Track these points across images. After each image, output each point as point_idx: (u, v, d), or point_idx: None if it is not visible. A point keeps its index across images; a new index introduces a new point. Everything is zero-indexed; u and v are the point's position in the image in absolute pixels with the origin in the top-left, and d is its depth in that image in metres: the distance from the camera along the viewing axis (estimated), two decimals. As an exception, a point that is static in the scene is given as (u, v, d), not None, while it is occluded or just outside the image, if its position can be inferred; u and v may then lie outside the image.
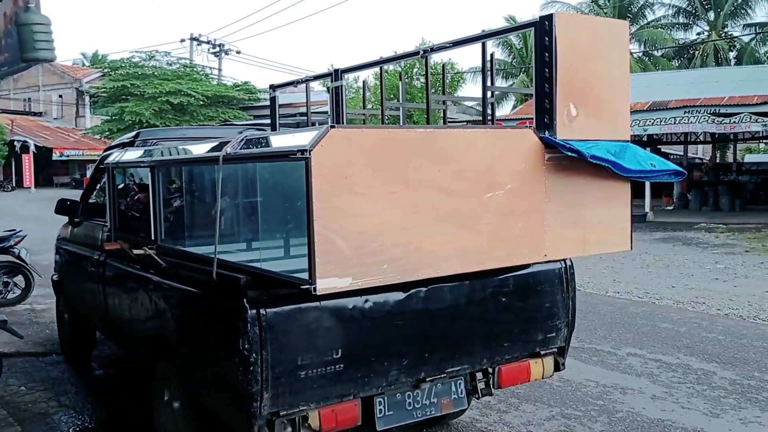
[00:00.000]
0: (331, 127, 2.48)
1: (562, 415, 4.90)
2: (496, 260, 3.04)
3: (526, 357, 3.80)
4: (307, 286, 2.48)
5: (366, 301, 3.15)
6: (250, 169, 3.30)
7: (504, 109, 42.22)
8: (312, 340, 3.05)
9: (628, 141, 3.34)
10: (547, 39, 3.08)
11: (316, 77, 4.97)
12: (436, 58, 25.52)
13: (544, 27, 3.09)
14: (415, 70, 23.25)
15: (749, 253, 13.40)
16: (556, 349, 3.91)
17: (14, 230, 8.56)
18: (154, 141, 4.93)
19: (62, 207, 5.74)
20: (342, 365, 3.12)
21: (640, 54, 34.99)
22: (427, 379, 3.43)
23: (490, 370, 3.71)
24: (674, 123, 18.59)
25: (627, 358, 6.24)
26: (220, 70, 46.88)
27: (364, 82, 5.35)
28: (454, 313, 3.47)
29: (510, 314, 3.67)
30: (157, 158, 3.88)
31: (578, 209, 3.19)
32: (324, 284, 2.47)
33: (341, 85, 4.53)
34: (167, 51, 42.90)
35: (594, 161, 2.99)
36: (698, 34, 37.10)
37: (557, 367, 3.93)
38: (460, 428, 4.67)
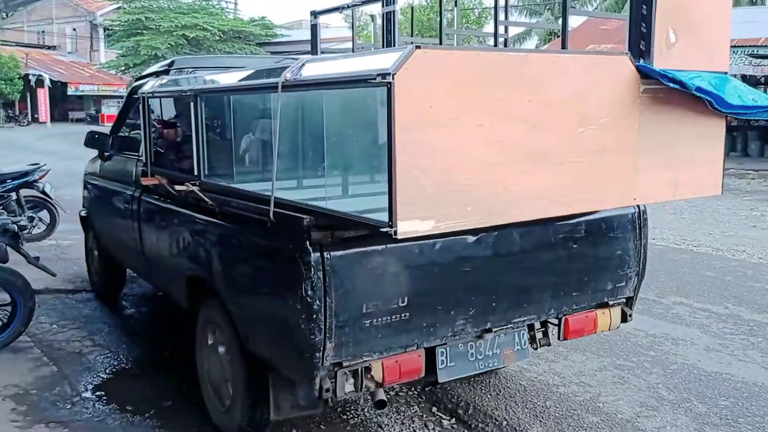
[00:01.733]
0: (416, 47, 2.17)
1: (614, 365, 4.70)
2: (586, 203, 2.76)
3: (594, 307, 3.55)
4: (387, 229, 2.21)
5: (434, 245, 2.89)
6: (308, 98, 2.99)
7: (526, 46, 41.21)
8: (378, 287, 2.81)
9: (726, 73, 3.00)
10: (647, -46, 2.72)
11: (365, 2, 4.58)
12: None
13: (643, -61, 2.73)
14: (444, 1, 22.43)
15: (783, 199, 13.03)
16: (624, 300, 3.66)
17: (38, 164, 8.33)
18: (191, 69, 4.63)
19: (92, 140, 5.48)
20: (408, 314, 2.89)
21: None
22: (494, 330, 3.20)
23: (556, 320, 3.48)
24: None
25: (674, 307, 6.00)
26: (236, 3, 45.89)
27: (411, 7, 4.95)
28: (523, 259, 3.22)
29: (580, 261, 3.41)
30: (200, 86, 3.58)
31: (671, 148, 2.88)
32: (405, 227, 2.21)
33: (394, 11, 4.16)
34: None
35: (699, 94, 2.67)
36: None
37: (624, 319, 3.69)
38: (508, 377, 4.49)
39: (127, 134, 5.23)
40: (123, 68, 37.56)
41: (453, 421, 3.97)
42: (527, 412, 4.02)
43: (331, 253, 2.69)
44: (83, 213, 6.39)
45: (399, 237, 2.22)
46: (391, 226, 2.21)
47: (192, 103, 3.60)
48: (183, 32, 34.82)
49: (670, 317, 5.72)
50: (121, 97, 50.59)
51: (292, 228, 2.71)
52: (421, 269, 2.91)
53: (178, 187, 3.66)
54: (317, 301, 2.66)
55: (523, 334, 3.40)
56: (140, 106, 4.37)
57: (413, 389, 4.27)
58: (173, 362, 4.75)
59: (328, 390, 2.78)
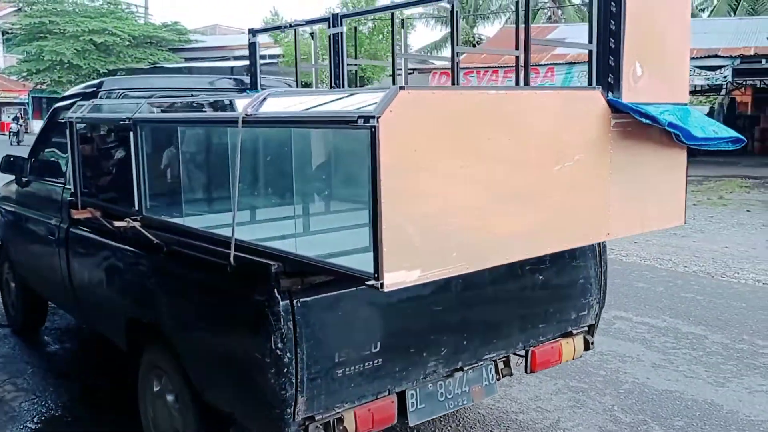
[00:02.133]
0: (401, 88, 2.03)
1: (568, 388, 4.69)
2: (562, 242, 2.68)
3: (558, 337, 3.51)
4: (373, 283, 2.06)
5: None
6: (269, 132, 2.80)
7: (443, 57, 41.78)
8: (350, 333, 2.65)
9: (687, 104, 3.01)
10: (614, -14, 2.68)
11: (309, 22, 4.39)
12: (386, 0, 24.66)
13: (611, -28, 2.69)
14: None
15: (696, 206, 13.57)
16: (586, 328, 3.64)
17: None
18: (121, 92, 4.33)
19: (7, 164, 5.07)
20: (380, 359, 2.74)
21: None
22: (464, 368, 3.09)
23: (522, 353, 3.41)
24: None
25: (615, 321, 6.09)
26: (146, 8, 44.51)
27: (355, 28, 4.78)
28: (493, 294, 3.13)
29: (546, 292, 3.36)
30: (143, 114, 3.31)
31: (639, 182, 2.86)
32: (392, 279, 2.06)
33: (341, 33, 4.00)
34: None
35: (670, 129, 2.65)
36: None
37: (587, 347, 3.66)
38: (466, 407, 4.40)
39: (48, 159, 4.85)
40: (25, 74, 35.71)
41: (413, 456, 3.85)
42: (488, 443, 3.94)
43: (301, 300, 2.51)
44: (-4, 242, 5.92)
45: (386, 290, 2.06)
46: (377, 279, 2.06)
47: (132, 132, 3.33)
48: (90, 37, 33.43)
49: (613, 333, 5.79)
50: (22, 104, 48.13)
51: (258, 275, 2.52)
52: (392, 312, 2.77)
53: (117, 223, 3.37)
54: (288, 354, 2.47)
55: (491, 368, 3.31)
56: (67, 131, 4.03)
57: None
58: (109, 406, 4.41)
59: (298, 446, 2.60)
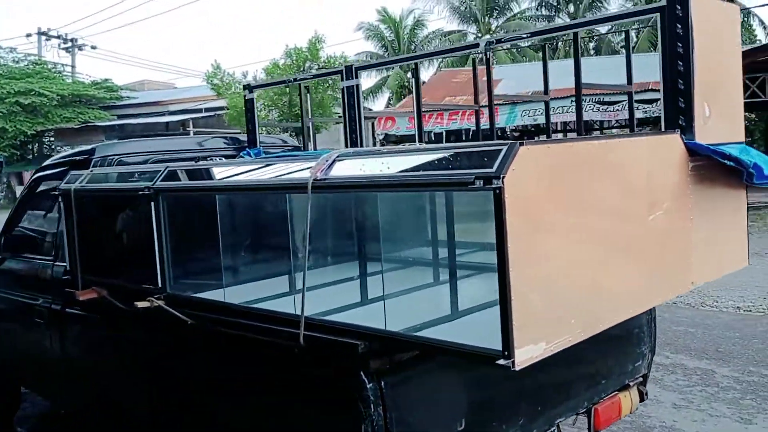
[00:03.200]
0: (520, 144, 1.85)
1: (599, 438, 4.51)
2: (660, 295, 2.52)
3: (617, 391, 3.33)
4: (504, 361, 1.84)
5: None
6: (330, 197, 2.56)
7: (380, 102, 42.25)
8: (436, 413, 2.40)
9: (743, 142, 2.94)
10: (680, 26, 2.60)
11: (317, 76, 4.20)
12: (328, 51, 24.67)
13: (674, 11, 2.61)
14: (307, 63, 22.28)
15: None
16: (641, 378, 3.48)
17: None
18: (116, 158, 4.01)
19: None
20: (466, 437, 2.49)
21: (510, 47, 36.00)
22: (538, 434, 2.87)
23: (584, 411, 3.22)
24: (562, 112, 19.07)
25: (620, 362, 5.98)
26: (73, 66, 43.49)
27: (308, 88, 4.53)
28: (562, 354, 2.93)
29: (606, 346, 3.19)
30: (170, 184, 3.01)
31: (714, 227, 2.74)
32: (523, 355, 1.85)
33: (357, 85, 3.82)
34: (11, 47, 39.08)
35: (753, 171, 2.55)
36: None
37: (642, 398, 3.50)
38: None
39: (30, 234, 4.44)
40: (-54, 139, 34.06)
41: None
42: None
43: (389, 381, 2.25)
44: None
45: (517, 368, 1.84)
46: (507, 356, 1.84)
47: (153, 202, 3.03)
48: (16, 99, 32.23)
49: (623, 374, 5.67)
50: (-59, 171, 45.79)
51: (340, 355, 2.25)
52: (473, 385, 2.54)
53: (140, 304, 3.03)
54: (379, 441, 2.21)
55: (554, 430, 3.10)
56: (62, 203, 3.68)
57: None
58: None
59: None
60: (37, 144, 37.08)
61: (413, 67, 3.83)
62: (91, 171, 3.65)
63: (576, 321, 2.06)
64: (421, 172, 2.05)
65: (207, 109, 32.21)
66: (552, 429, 2.97)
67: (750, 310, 7.74)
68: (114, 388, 3.56)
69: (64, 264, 3.81)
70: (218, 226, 2.86)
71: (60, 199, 3.71)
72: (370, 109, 26.37)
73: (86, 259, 3.58)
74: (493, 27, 39.81)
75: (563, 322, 2.01)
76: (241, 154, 4.45)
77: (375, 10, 41.76)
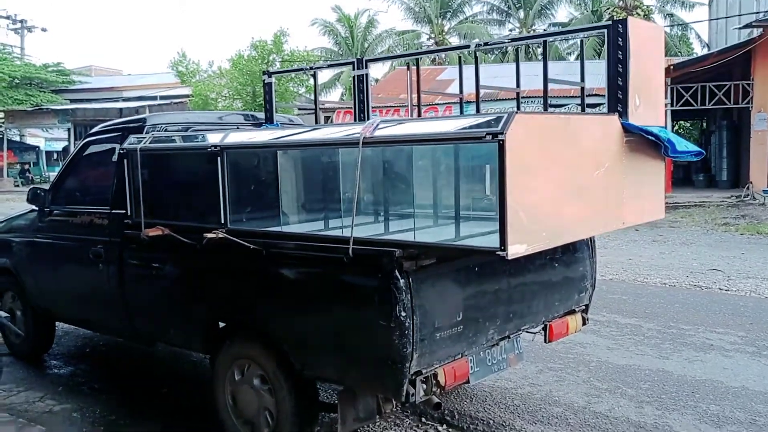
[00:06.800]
0: (516, 112, 2.85)
1: (548, 368, 5.59)
2: (602, 227, 3.58)
3: (565, 314, 4.39)
4: (501, 253, 2.83)
5: (479, 270, 3.56)
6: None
7: (333, 96, 42.99)
8: (444, 304, 3.39)
9: (663, 127, 4.02)
10: (620, 40, 3.66)
11: (332, 65, 5.12)
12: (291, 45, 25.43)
13: (617, 29, 3.66)
14: (272, 56, 23.06)
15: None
16: (584, 306, 4.55)
17: None
18: (164, 125, 4.85)
19: (35, 195, 5.41)
20: (461, 326, 3.49)
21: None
22: (510, 337, 3.90)
23: (542, 327, 4.25)
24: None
25: (564, 318, 7.10)
26: (22, 48, 42.84)
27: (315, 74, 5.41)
28: (528, 278, 3.96)
29: (559, 278, 4.24)
30: (233, 141, 3.92)
31: (639, 184, 3.81)
32: (513, 250, 2.84)
33: (366, 74, 4.78)
34: (-41, 26, 38.37)
35: (667, 144, 3.62)
36: (510, 30, 40.37)
37: (584, 322, 4.57)
38: (470, 386, 5.17)
39: (84, 187, 5.25)
40: None
41: (444, 427, 4.56)
42: (504, 411, 4.74)
43: (415, 277, 3.23)
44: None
45: (509, 258, 2.85)
46: (502, 250, 2.84)
47: (219, 157, 3.91)
48: (-33, 79, 31.91)
49: (566, 327, 6.79)
50: None
51: (382, 260, 3.21)
52: (469, 289, 3.54)
53: (208, 235, 3.92)
54: (408, 319, 3.18)
55: (520, 339, 4.13)
56: (125, 160, 4.51)
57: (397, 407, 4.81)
58: (151, 409, 4.84)
59: (413, 395, 3.28)
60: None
61: (414, 63, 4.78)
62: (152, 135, 4.50)
63: (546, 234, 3.08)
64: (446, 130, 3.04)
65: (163, 97, 32.46)
66: (519, 332, 3.99)
67: (674, 285, 9.00)
68: (175, 312, 4.42)
69: (122, 211, 4.63)
70: (276, 176, 3.78)
71: (124, 157, 4.53)
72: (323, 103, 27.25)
73: (149, 206, 4.45)
74: (446, 28, 41.14)
75: (538, 233, 3.03)
76: (261, 128, 5.35)
77: (330, 7, 42.39)
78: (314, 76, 5.43)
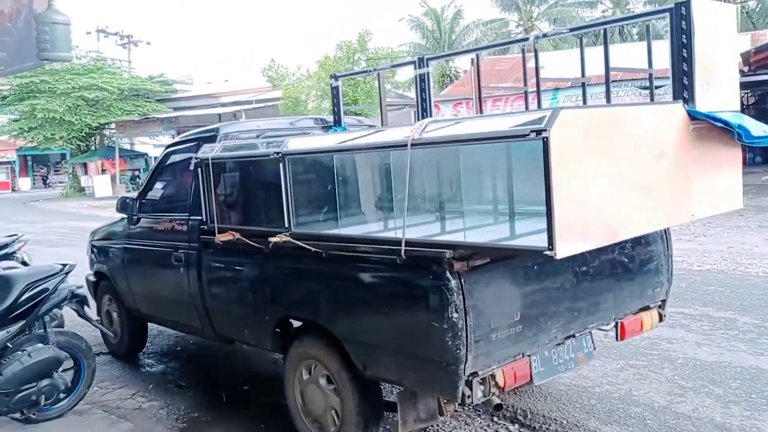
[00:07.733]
0: (561, 109, 2.77)
1: (629, 366, 5.39)
2: (666, 221, 3.43)
3: (640, 311, 4.22)
4: (549, 252, 2.76)
5: (536, 266, 3.48)
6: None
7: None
8: (499, 305, 3.34)
9: (738, 111, 3.78)
10: (684, 23, 3.47)
11: (395, 65, 5.14)
12: (380, 43, 25.66)
13: (680, 12, 3.48)
14: (357, 55, 23.39)
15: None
16: (660, 302, 4.35)
17: (15, 235, 8.26)
18: (235, 134, 5.02)
19: (123, 204, 5.74)
20: (520, 326, 3.43)
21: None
22: (576, 336, 3.79)
23: (613, 324, 4.11)
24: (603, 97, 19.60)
25: (652, 313, 6.81)
26: (129, 62, 45.29)
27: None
28: (596, 274, 3.84)
29: (631, 273, 4.08)
30: (294, 148, 4.01)
31: (711, 173, 3.61)
32: (562, 250, 2.77)
33: (427, 73, 4.77)
34: (74, 44, 40.90)
35: (738, 131, 3.41)
36: (603, 12, 38.96)
37: (660, 319, 4.37)
38: (546, 385, 5.06)
39: (166, 195, 5.53)
40: (17, 132, 36.13)
41: (517, 426, 4.49)
42: (579, 410, 4.61)
43: (467, 278, 3.20)
44: (92, 278, 6.55)
45: (558, 257, 2.77)
46: (551, 249, 2.77)
47: (281, 164, 4.02)
48: (81, 93, 34.02)
49: (654, 322, 6.52)
50: (9, 162, 48.30)
51: (433, 261, 3.21)
52: (528, 288, 3.47)
53: (273, 239, 4.04)
54: (461, 321, 3.16)
55: (589, 338, 4.01)
56: (200, 169, 4.70)
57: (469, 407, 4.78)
58: (233, 407, 5.03)
59: (469, 396, 3.26)
60: (98, 136, 38.92)
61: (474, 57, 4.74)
62: (222, 144, 4.67)
63: (599, 231, 2.97)
64: (491, 130, 2.99)
65: (258, 101, 33.49)
66: (586, 332, 3.88)
67: (777, 275, 8.45)
68: (247, 310, 4.58)
69: (199, 217, 4.85)
70: (335, 179, 3.85)
71: (198, 166, 4.73)
72: (412, 98, 27.30)
73: (221, 212, 4.63)
74: (534, 15, 40.21)
75: (590, 230, 2.93)
76: (329, 131, 5.44)
77: (417, 2, 42.33)
78: (378, 77, 5.46)
